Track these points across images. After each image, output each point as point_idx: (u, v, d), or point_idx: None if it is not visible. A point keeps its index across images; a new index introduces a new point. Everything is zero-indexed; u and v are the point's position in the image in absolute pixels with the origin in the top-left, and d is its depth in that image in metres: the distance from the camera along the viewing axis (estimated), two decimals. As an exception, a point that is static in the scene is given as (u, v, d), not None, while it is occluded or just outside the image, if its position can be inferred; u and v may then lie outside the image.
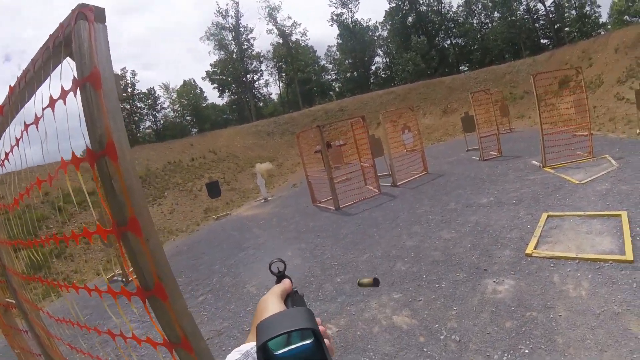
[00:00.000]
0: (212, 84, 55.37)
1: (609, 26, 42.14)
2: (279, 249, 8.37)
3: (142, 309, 1.09)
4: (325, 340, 0.61)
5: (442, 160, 15.06)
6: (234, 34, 53.05)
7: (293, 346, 0.55)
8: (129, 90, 49.87)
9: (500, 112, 21.41)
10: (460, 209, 7.99)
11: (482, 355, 3.49)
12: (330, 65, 59.44)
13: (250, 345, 0.69)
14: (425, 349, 3.80)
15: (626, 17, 41.11)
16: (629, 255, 4.53)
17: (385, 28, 55.80)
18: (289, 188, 18.86)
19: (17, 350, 2.36)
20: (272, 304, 0.73)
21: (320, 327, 0.62)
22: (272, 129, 32.53)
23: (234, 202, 18.73)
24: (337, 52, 57.71)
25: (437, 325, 4.14)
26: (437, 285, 4.99)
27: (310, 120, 31.98)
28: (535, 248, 5.43)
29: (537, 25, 48.46)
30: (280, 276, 0.86)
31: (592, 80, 20.28)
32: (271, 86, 59.11)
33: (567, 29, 45.62)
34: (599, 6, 45.76)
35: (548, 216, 6.50)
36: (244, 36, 53.53)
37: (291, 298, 0.79)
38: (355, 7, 55.98)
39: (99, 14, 1.02)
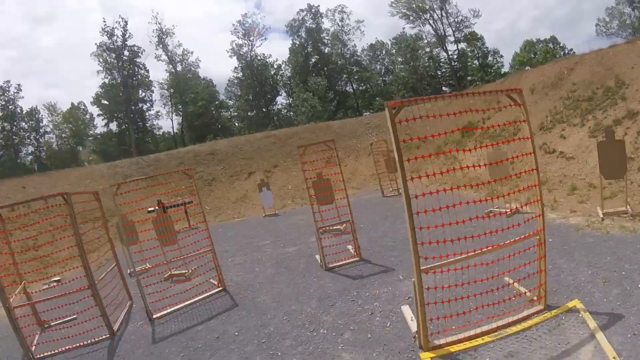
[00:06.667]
0: (98, 110, 47.89)
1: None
2: None
3: None
4: None
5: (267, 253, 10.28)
6: (117, 56, 46.17)
7: None
8: (10, 107, 42.28)
9: (387, 167, 17.69)
10: None
11: None
12: (231, 102, 54.71)
13: None
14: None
15: (528, 67, 41.87)
16: None
17: (288, 67, 52.80)
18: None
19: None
20: None
21: None
22: (132, 172, 26.26)
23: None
24: (238, 88, 53.18)
25: None
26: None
27: (177, 163, 26.30)
28: None
29: (439, 72, 48.43)
30: None
31: (504, 128, 16.76)
32: (163, 118, 52.09)
33: (469, 77, 45.84)
34: (501, 56, 46.89)
35: None
36: (129, 59, 46.86)
37: None
38: (258, 40, 52.34)
39: None
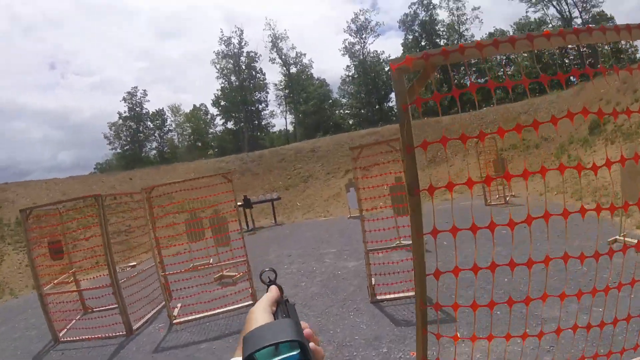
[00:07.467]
0: (217, 111, 52.70)
1: (647, 64, 35.34)
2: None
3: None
4: (313, 345, 0.57)
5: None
6: (234, 62, 49.68)
7: (279, 357, 0.51)
8: (136, 109, 49.53)
9: (494, 169, 15.19)
10: None
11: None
12: (344, 100, 54.92)
13: None
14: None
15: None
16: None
17: (402, 62, 50.91)
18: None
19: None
20: (259, 314, 0.64)
21: (307, 331, 0.59)
22: (235, 167, 27.51)
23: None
24: (351, 86, 53.03)
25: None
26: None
27: (278, 160, 26.85)
28: None
29: (566, 60, 42.27)
30: (269, 285, 0.77)
31: (641, 124, 13.18)
32: (277, 117, 54.51)
33: (599, 65, 39.32)
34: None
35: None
36: (245, 64, 50.09)
37: (281, 308, 0.70)
38: (370, 37, 51.56)
39: None
